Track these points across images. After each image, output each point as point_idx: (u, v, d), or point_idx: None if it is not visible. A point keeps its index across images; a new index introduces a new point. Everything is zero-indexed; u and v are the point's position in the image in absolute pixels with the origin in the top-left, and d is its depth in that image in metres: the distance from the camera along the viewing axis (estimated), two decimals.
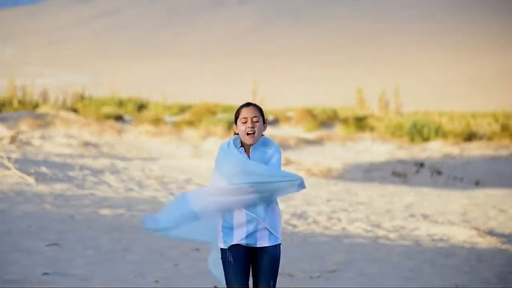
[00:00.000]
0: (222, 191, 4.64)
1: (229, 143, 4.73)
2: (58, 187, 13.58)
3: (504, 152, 27.12)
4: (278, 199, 4.82)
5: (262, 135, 4.78)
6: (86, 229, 10.27)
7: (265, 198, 4.62)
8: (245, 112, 4.71)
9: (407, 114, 36.81)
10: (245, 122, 4.69)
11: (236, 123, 4.75)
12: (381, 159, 25.64)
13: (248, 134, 4.68)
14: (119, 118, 31.75)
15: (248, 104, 4.76)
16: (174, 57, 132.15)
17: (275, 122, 33.54)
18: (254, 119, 4.70)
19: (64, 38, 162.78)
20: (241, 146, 4.73)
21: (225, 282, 4.70)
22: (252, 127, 4.68)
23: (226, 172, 4.63)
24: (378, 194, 16.92)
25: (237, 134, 4.78)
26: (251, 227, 4.64)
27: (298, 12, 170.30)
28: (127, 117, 33.05)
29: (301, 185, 4.65)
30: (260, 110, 4.75)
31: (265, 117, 4.80)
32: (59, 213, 11.24)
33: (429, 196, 16.94)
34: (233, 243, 4.65)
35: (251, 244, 4.65)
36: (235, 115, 4.75)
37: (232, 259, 4.63)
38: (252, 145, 4.71)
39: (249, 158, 4.70)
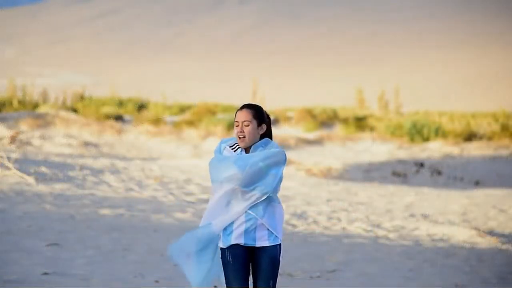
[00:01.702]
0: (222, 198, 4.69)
1: (220, 148, 4.78)
2: (58, 187, 13.58)
3: (504, 152, 27.11)
4: (280, 199, 4.84)
5: (264, 136, 4.79)
6: (86, 229, 10.27)
7: (258, 188, 4.62)
8: (237, 116, 4.76)
9: (407, 114, 36.81)
10: (237, 126, 4.73)
11: None
12: (381, 159, 25.64)
13: (239, 137, 4.71)
14: (119, 118, 31.76)
15: (242, 107, 4.79)
16: (174, 57, 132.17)
17: (275, 122, 33.56)
18: (245, 123, 4.72)
19: (64, 38, 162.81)
20: (239, 147, 4.76)
21: (225, 282, 4.70)
22: (241, 132, 4.71)
23: (217, 174, 4.68)
24: (378, 194, 16.92)
25: None
26: (250, 227, 4.65)
27: (298, 12, 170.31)
28: (127, 117, 33.07)
29: (283, 160, 4.69)
30: (254, 112, 4.74)
31: (265, 117, 4.79)
32: (59, 213, 11.24)
33: (429, 196, 16.94)
34: (232, 243, 4.65)
35: (250, 244, 4.66)
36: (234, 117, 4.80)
37: (231, 259, 4.63)
38: (250, 146, 4.73)
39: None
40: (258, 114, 4.75)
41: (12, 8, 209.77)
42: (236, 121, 4.74)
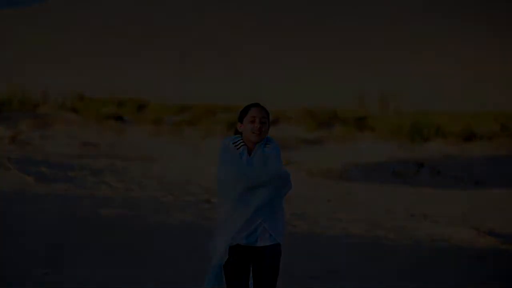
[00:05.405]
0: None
1: (227, 146, 4.75)
2: (58, 187, 13.58)
3: (504, 152, 27.10)
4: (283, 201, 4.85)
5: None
6: (86, 229, 10.27)
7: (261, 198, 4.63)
8: (254, 111, 4.75)
9: (407, 114, 36.78)
10: (253, 121, 4.72)
11: (240, 121, 4.77)
12: (381, 159, 25.63)
13: (254, 133, 4.70)
14: (119, 118, 31.73)
15: (257, 104, 4.81)
16: (174, 57, 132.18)
17: (275, 122, 33.53)
18: (262, 120, 4.74)
19: (64, 38, 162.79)
20: (243, 145, 4.75)
21: (225, 282, 4.70)
22: (259, 127, 4.70)
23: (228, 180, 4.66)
24: (378, 194, 16.92)
25: (239, 133, 4.80)
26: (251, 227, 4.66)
27: (298, 12, 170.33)
28: (127, 117, 33.03)
29: (287, 184, 4.70)
30: (268, 114, 4.81)
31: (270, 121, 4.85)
32: (59, 213, 11.24)
33: (429, 196, 16.95)
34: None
35: (251, 243, 4.65)
36: (242, 113, 4.78)
37: (231, 259, 4.63)
38: (255, 144, 4.73)
39: (250, 156, 4.73)
40: (268, 116, 4.83)
41: (12, 8, 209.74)
42: (253, 116, 4.73)
